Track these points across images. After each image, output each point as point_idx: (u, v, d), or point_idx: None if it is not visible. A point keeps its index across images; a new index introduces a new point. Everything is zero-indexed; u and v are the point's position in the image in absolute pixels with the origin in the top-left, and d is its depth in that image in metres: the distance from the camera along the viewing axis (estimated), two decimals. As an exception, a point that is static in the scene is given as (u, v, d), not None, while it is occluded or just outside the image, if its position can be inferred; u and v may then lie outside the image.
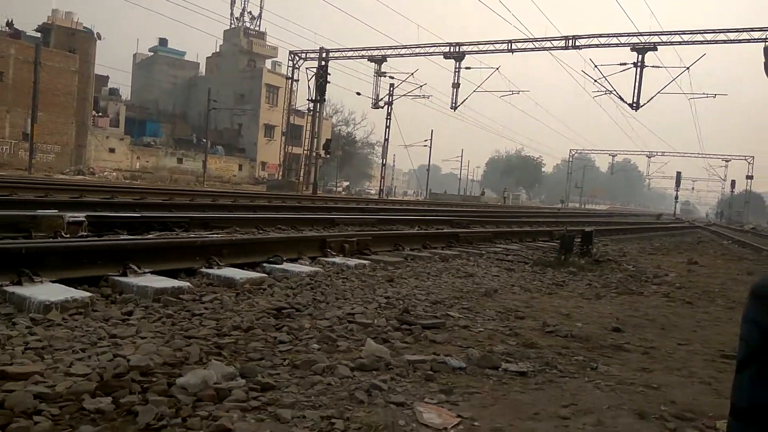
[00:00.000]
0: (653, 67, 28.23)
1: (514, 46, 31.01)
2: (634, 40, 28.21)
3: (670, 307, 4.60)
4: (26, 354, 2.14)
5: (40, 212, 5.23)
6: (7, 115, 36.37)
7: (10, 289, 2.95)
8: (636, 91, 28.15)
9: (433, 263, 5.86)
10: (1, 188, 9.93)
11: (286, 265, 4.68)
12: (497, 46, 31.46)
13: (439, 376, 2.31)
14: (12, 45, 37.10)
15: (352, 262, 5.19)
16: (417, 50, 33.79)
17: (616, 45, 28.76)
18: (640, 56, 27.75)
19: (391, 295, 3.86)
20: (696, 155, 67.32)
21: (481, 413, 1.92)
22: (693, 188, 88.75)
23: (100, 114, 45.53)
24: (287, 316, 3.08)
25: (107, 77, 50.38)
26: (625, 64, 28.13)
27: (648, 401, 2.18)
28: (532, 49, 30.85)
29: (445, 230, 9.43)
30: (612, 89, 29.25)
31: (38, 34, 40.68)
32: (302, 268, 4.64)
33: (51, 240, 4.17)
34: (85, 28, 43.28)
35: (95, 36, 42.71)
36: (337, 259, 5.27)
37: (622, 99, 28.93)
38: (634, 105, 28.46)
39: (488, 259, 6.65)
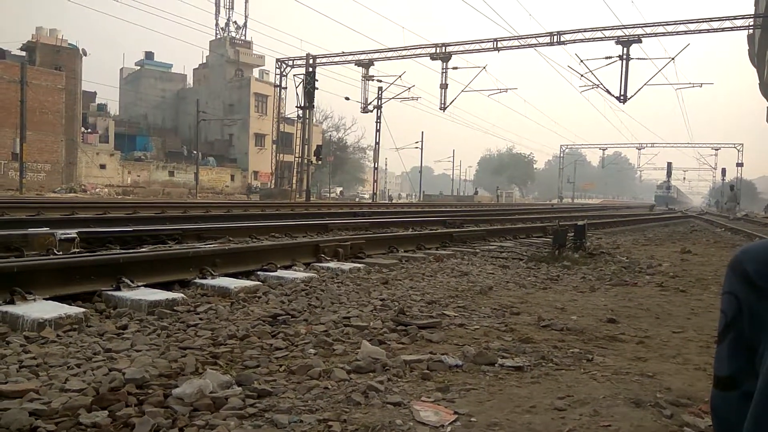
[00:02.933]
0: (638, 59, 28.42)
1: (500, 45, 31.13)
2: (618, 33, 28.37)
3: (664, 296, 4.63)
4: (21, 372, 2.13)
5: (31, 231, 5.21)
6: (-5, 135, 36.15)
7: (3, 308, 2.94)
8: (622, 83, 28.31)
9: (427, 264, 5.87)
10: (-9, 209, 9.88)
11: (280, 272, 4.68)
12: (483, 45, 31.57)
13: (436, 374, 2.32)
14: (-3, 65, 36.89)
15: (347, 266, 5.19)
16: (403, 53, 33.85)
17: (601, 39, 28.92)
18: (625, 49, 27.90)
19: (386, 297, 3.86)
20: (685, 145, 67.71)
21: (477, 409, 1.93)
22: (684, 178, 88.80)
23: (89, 130, 45.36)
24: (283, 322, 3.08)
25: (95, 93, 50.21)
26: (610, 57, 28.29)
27: (644, 389, 2.20)
28: (517, 47, 30.97)
29: (438, 230, 9.45)
30: (599, 83, 29.40)
31: (23, 53, 40.53)
32: (297, 274, 4.64)
33: (43, 257, 4.15)
34: (70, 44, 43.12)
35: (81, 52, 42.54)
36: (332, 264, 5.28)
37: (609, 92, 29.09)
38: (622, 98, 28.61)
39: (482, 258, 6.67)
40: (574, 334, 3.10)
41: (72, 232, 5.09)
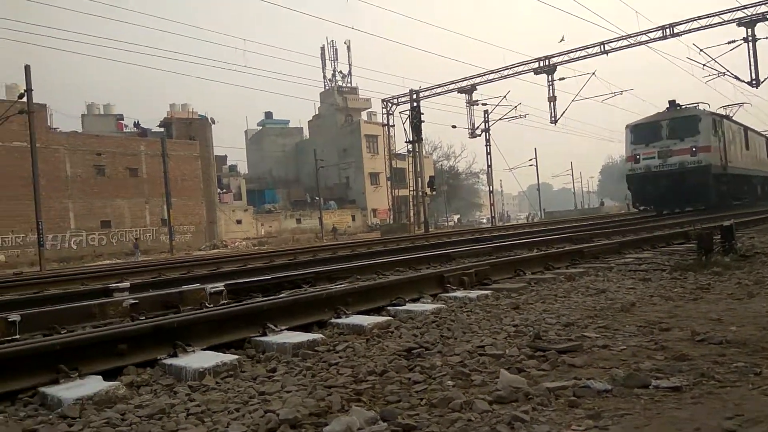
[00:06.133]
0: (767, 38, 25.66)
1: (607, 47, 29.77)
2: (739, 14, 25.90)
3: (843, 296, 4.05)
4: (189, 419, 2.34)
5: (184, 287, 5.78)
6: (146, 205, 40.90)
7: (168, 361, 3.26)
8: (752, 67, 25.64)
9: (558, 284, 5.64)
10: (149, 271, 11.09)
11: (409, 306, 4.74)
12: (589, 50, 30.37)
13: (584, 401, 2.21)
14: (141, 143, 42.06)
15: (474, 293, 5.14)
16: (505, 72, 33.51)
17: (720, 24, 26.54)
18: (749, 30, 25.33)
19: (519, 323, 3.76)
20: None
21: (634, 435, 1.81)
22: None
23: (224, 190, 49.76)
24: (418, 356, 3.11)
25: (225, 156, 55.25)
26: (733, 41, 25.82)
27: (832, 405, 1.93)
28: (627, 47, 29.42)
29: (566, 248, 9.05)
30: (724, 70, 26.87)
31: (161, 129, 45.75)
32: (425, 306, 4.67)
33: (197, 311, 4.57)
34: (200, 115, 47.97)
35: (209, 121, 47.15)
36: (458, 293, 5.25)
37: (738, 78, 26.46)
38: (754, 82, 25.88)
39: (619, 272, 6.28)
40: (736, 347, 2.81)
41: (219, 285, 5.58)
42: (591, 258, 7.76)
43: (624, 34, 29.29)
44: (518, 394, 2.28)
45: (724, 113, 27.96)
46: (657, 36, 28.20)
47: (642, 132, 21.91)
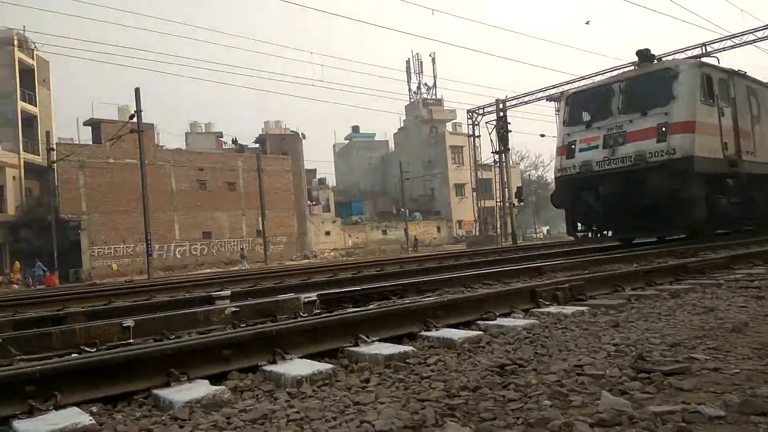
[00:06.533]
0: None
1: (709, 48, 27.91)
2: None
3: None
4: (289, 426, 2.43)
5: (280, 297, 6.03)
6: (242, 217, 43.09)
7: (268, 367, 3.40)
8: None
9: (661, 301, 5.32)
10: (247, 280, 11.66)
11: (499, 321, 4.66)
12: (689, 51, 28.60)
13: (695, 427, 2.08)
14: (239, 158, 44.46)
15: (569, 309, 4.96)
16: (597, 78, 32.22)
17: None
18: None
19: (619, 342, 3.59)
20: None
21: (755, 469, 1.68)
22: None
23: (314, 203, 51.50)
24: (511, 372, 3.05)
25: (315, 170, 57.27)
26: None
27: None
28: (731, 47, 27.46)
29: (669, 263, 8.52)
30: None
31: (257, 145, 48.15)
32: (516, 321, 4.57)
33: (293, 321, 4.75)
34: (291, 131, 50.04)
35: (300, 136, 49.07)
36: (552, 309, 5.09)
37: None
38: None
39: (729, 289, 5.83)
40: None
41: (312, 295, 5.77)
42: (697, 273, 7.26)
43: (728, 33, 27.38)
44: (622, 418, 2.18)
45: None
46: (766, 35, 26.15)
47: (583, 105, 12.73)
